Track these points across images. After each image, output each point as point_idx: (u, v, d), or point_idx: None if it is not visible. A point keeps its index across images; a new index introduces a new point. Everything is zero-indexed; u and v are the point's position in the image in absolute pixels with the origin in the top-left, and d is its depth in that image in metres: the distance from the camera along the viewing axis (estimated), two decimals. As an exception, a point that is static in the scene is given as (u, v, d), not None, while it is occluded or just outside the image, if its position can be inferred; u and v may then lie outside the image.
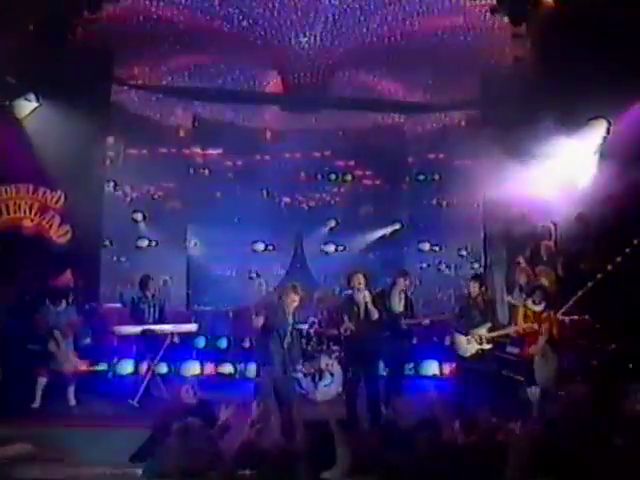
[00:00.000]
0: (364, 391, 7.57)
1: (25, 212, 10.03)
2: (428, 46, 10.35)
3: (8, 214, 9.98)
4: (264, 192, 12.53)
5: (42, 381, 8.40)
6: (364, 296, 7.39)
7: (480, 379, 8.09)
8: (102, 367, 10.38)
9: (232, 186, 12.45)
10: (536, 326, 7.99)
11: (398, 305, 8.52)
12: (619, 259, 8.30)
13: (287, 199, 12.73)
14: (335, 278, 11.59)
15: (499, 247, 11.00)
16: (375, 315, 7.43)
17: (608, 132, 8.84)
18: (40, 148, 9.60)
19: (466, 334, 8.24)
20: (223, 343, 11.11)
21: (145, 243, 11.96)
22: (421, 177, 12.66)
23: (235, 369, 10.75)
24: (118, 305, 10.89)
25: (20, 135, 9.58)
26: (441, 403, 8.85)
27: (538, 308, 8.12)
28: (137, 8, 9.76)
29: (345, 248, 12.69)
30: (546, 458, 3.71)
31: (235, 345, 10.97)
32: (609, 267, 8.36)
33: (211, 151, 12.70)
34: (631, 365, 7.69)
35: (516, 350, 8.43)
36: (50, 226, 10.08)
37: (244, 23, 10.22)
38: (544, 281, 9.13)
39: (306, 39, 10.51)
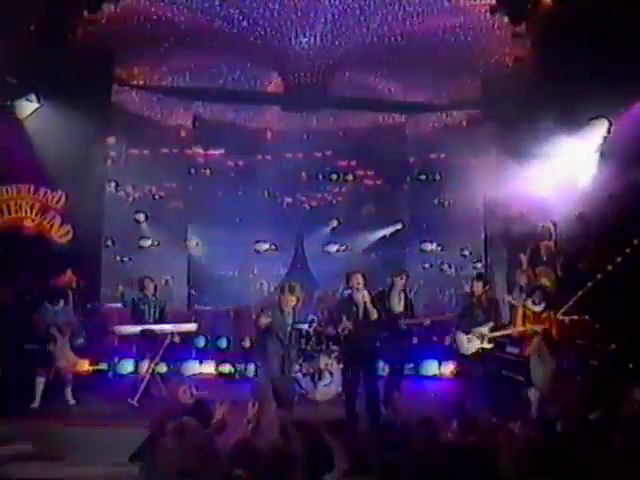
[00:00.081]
0: (363, 391, 7.57)
1: (26, 212, 10.01)
2: (428, 46, 10.35)
3: (9, 214, 9.95)
4: (265, 192, 12.54)
5: (41, 380, 8.40)
6: (363, 296, 7.38)
7: (480, 379, 8.10)
8: (102, 366, 10.43)
9: (233, 186, 12.46)
10: (537, 327, 7.98)
11: (398, 305, 8.54)
12: (619, 259, 8.26)
13: (288, 199, 12.73)
14: (337, 278, 11.56)
15: (500, 247, 11.01)
16: (374, 315, 7.42)
17: (609, 132, 8.82)
18: (41, 148, 9.58)
19: (468, 332, 8.24)
20: (223, 343, 11.12)
21: (148, 243, 11.98)
22: (422, 177, 12.68)
23: (235, 369, 10.76)
24: (119, 305, 10.92)
25: (21, 135, 9.56)
26: (441, 403, 8.84)
27: (538, 308, 8.08)
28: (137, 8, 9.76)
29: (347, 248, 12.69)
30: (545, 458, 3.70)
31: (235, 345, 10.98)
32: (609, 267, 8.32)
33: (212, 151, 12.72)
34: (631, 365, 7.67)
35: (516, 350, 8.42)
36: (51, 226, 10.07)
37: (244, 23, 10.22)
38: (544, 281, 9.13)
39: (306, 39, 10.51)
